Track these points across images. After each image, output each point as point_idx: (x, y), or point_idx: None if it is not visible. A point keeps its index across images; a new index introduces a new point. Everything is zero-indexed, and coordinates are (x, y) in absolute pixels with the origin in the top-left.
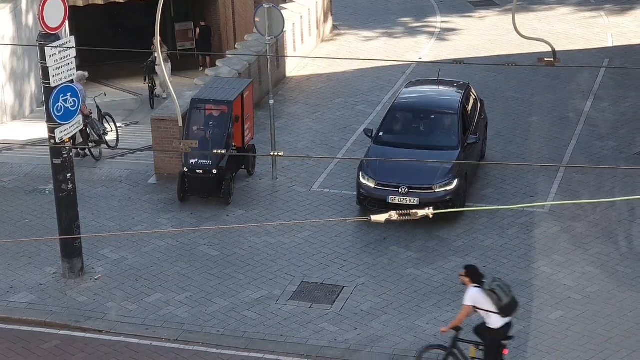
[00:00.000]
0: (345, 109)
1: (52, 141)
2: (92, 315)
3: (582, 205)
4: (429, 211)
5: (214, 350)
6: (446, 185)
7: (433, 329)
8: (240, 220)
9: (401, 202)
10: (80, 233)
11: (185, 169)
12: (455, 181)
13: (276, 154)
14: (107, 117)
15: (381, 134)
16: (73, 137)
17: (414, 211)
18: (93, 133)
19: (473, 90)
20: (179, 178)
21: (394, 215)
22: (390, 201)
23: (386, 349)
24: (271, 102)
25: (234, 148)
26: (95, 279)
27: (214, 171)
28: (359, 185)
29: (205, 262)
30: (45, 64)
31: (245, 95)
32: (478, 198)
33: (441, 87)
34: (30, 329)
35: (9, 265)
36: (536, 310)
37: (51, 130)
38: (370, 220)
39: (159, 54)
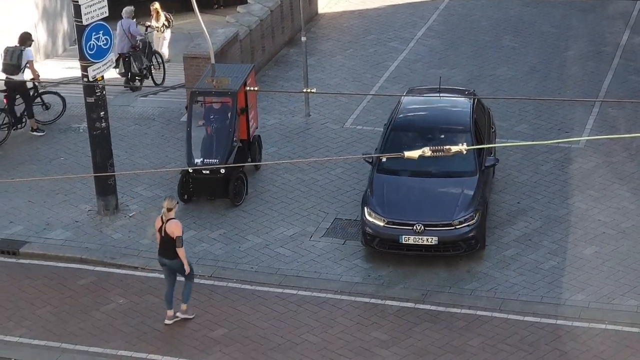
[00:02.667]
0: (377, 45)
1: (85, 79)
2: (127, 252)
3: (618, 140)
4: (462, 147)
5: (248, 287)
6: (468, 220)
7: (466, 265)
8: (273, 157)
9: (417, 242)
10: (114, 170)
11: (190, 170)
12: (478, 214)
13: (309, 90)
14: (156, 54)
15: (384, 159)
16: (128, 69)
17: (447, 147)
18: (134, 65)
19: (480, 99)
20: (180, 178)
21: (427, 151)
22: (403, 241)
23: (419, 284)
24: (303, 39)
25: (239, 142)
26: (130, 216)
27: (222, 171)
28: (365, 223)
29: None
30: (77, 2)
31: (247, 83)
32: (512, 134)
33: (445, 98)
34: (66, 265)
35: (44, 202)
36: (571, 245)
37: (84, 69)
38: (404, 156)
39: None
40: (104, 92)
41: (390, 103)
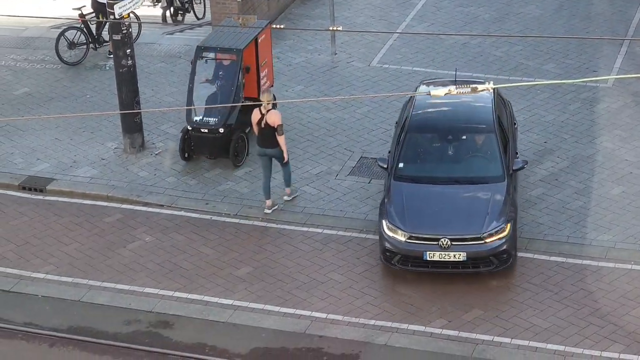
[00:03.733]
0: None
1: (112, 17)
2: (153, 190)
3: None
4: (489, 85)
5: (274, 225)
6: (499, 232)
7: None
8: (299, 95)
9: (443, 259)
10: (140, 108)
11: (189, 127)
12: (509, 225)
13: (335, 28)
14: None
15: (400, 165)
16: (170, 3)
17: (474, 86)
18: (177, 0)
19: (500, 92)
20: (180, 136)
21: (453, 90)
22: (428, 258)
23: None
24: None
25: (244, 100)
26: (156, 154)
27: (221, 130)
28: (383, 237)
29: None
30: None
31: (260, 40)
32: (540, 73)
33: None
34: (92, 202)
35: (71, 140)
36: (597, 185)
37: (110, 6)
38: (430, 94)
39: None
40: (130, 30)
41: (417, 42)
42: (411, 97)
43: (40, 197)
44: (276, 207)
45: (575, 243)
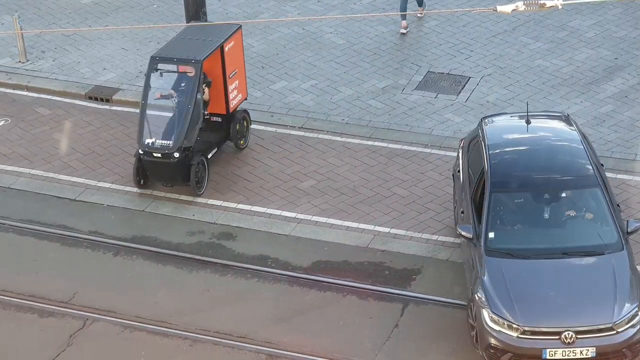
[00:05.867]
0: None
1: None
2: None
3: None
4: (557, 2)
5: (338, 139)
6: (633, 317)
7: None
8: (367, 8)
9: (566, 357)
10: (207, 20)
11: (140, 152)
12: None
13: None
14: None
15: (491, 235)
16: None
17: (542, 2)
18: None
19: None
20: (135, 161)
21: (520, 6)
22: (548, 357)
23: None
24: None
25: (208, 116)
26: None
27: (176, 154)
28: (487, 331)
29: (331, 50)
30: None
31: (226, 49)
32: None
33: (540, 129)
34: None
35: (137, 50)
36: None
37: None
38: (496, 10)
39: None
40: None
41: None
42: (475, 135)
43: (107, 106)
44: (407, 30)
45: None
